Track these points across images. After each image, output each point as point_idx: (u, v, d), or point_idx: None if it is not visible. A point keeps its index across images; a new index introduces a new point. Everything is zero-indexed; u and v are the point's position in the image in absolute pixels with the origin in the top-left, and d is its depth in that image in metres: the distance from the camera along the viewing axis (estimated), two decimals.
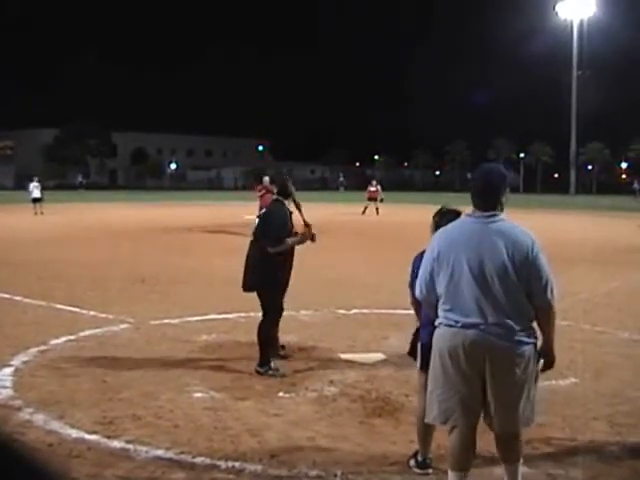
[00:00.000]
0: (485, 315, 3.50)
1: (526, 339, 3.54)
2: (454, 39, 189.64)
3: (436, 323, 3.69)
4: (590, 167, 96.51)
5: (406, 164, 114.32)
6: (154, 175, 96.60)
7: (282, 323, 6.64)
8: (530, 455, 4.22)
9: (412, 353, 4.43)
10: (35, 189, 29.73)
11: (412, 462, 4.25)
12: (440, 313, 3.65)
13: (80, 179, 77.65)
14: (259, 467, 4.24)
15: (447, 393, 3.61)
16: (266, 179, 15.17)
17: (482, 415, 3.65)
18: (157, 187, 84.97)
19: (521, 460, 3.77)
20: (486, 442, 3.92)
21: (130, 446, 4.49)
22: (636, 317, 8.91)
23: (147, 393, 5.57)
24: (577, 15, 74.30)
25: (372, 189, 31.92)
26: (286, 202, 6.57)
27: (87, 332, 7.60)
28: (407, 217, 28.79)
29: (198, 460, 4.31)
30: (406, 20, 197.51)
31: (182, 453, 4.40)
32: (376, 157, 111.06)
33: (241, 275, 6.51)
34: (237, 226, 20.27)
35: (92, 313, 8.62)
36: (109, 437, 4.64)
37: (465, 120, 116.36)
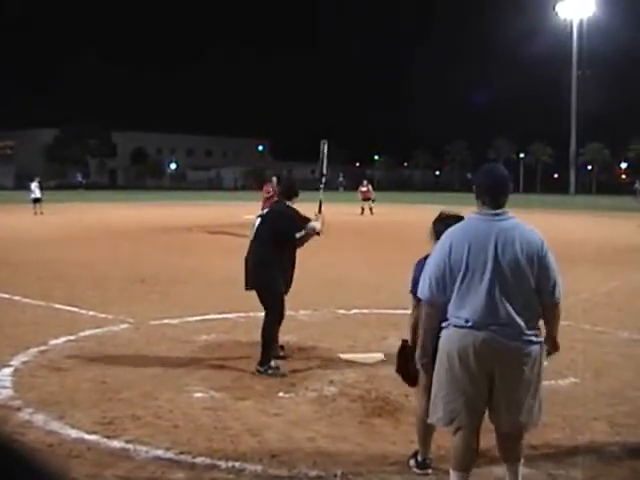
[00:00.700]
0: (496, 314, 3.48)
1: (534, 338, 3.55)
2: (454, 39, 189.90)
3: (443, 324, 3.65)
4: (590, 167, 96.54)
5: (406, 164, 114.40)
6: (154, 175, 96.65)
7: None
8: (530, 455, 4.22)
9: (400, 371, 4.34)
10: (36, 189, 29.80)
11: (412, 462, 4.25)
12: (449, 312, 3.61)
13: (79, 178, 77.65)
14: (259, 467, 4.23)
15: (453, 394, 3.59)
16: (274, 180, 15.19)
17: (487, 414, 3.64)
18: (157, 187, 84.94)
19: (522, 460, 3.77)
20: (486, 442, 3.92)
21: (130, 446, 4.49)
22: (636, 317, 8.91)
23: (147, 393, 5.56)
24: (577, 15, 74.49)
25: (363, 189, 32.08)
26: (288, 203, 6.59)
27: (87, 332, 7.59)
28: (407, 217, 28.81)
29: (198, 460, 4.30)
30: (406, 20, 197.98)
31: (182, 453, 4.40)
32: (376, 157, 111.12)
33: (241, 275, 6.52)
34: (237, 226, 20.27)
35: (92, 313, 8.61)
36: (109, 437, 4.63)
37: (465, 120, 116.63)
